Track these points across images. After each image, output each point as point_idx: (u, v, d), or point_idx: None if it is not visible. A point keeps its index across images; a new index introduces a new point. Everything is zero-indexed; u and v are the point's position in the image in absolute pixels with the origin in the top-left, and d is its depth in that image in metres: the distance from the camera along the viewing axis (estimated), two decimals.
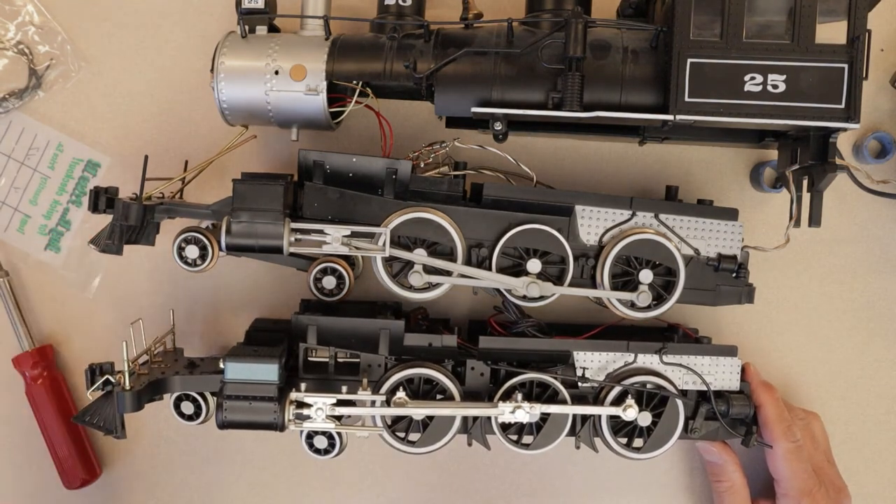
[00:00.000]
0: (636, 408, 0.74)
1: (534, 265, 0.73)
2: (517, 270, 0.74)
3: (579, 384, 0.76)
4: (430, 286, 0.73)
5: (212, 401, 0.75)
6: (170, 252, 0.73)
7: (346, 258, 0.76)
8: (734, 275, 0.75)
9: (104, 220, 0.73)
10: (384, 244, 0.71)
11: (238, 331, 0.85)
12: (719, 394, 0.77)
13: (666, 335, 0.81)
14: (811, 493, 0.78)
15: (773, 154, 0.85)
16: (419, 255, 0.72)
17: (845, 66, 0.65)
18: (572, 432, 0.76)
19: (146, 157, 0.72)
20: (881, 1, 0.68)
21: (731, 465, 0.81)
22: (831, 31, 0.66)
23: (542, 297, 0.73)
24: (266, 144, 0.85)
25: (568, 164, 0.86)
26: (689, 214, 0.75)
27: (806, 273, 0.87)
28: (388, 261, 0.73)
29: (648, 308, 0.75)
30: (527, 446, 0.75)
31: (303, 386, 0.72)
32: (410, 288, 0.73)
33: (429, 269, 0.73)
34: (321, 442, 0.74)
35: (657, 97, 0.69)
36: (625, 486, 0.88)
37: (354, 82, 0.73)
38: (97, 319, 0.87)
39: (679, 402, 0.75)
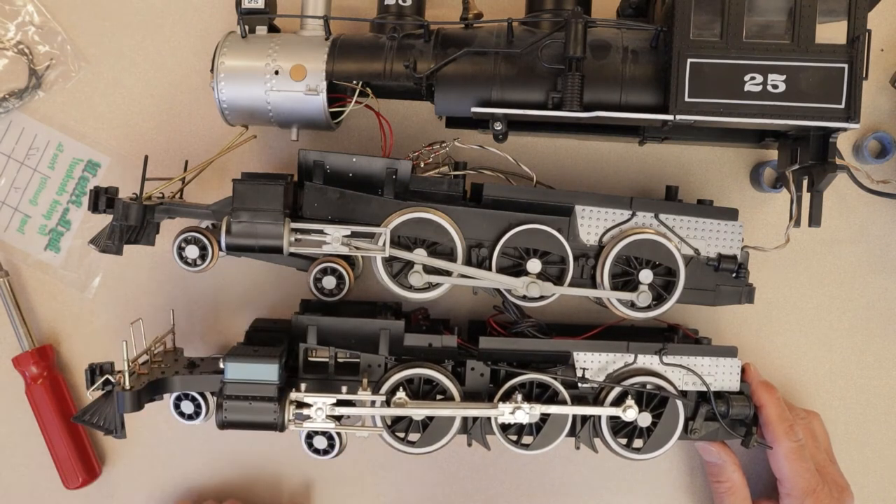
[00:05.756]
0: (636, 408, 0.74)
1: (534, 265, 0.73)
2: (517, 270, 0.74)
3: (579, 385, 0.76)
4: (430, 286, 0.73)
5: (212, 400, 0.75)
6: (170, 252, 0.73)
7: (346, 258, 0.76)
8: (734, 275, 0.75)
9: (104, 220, 0.73)
10: (384, 244, 0.71)
11: (238, 331, 0.85)
12: (719, 394, 0.77)
13: (666, 336, 0.81)
14: (814, 492, 0.78)
15: (773, 154, 0.85)
16: (419, 255, 0.72)
17: (845, 66, 0.65)
18: (572, 433, 0.76)
19: (146, 157, 0.72)
20: (881, 1, 0.68)
21: (730, 465, 0.81)
22: (831, 31, 0.66)
23: (542, 297, 0.73)
24: (266, 144, 0.85)
25: (568, 164, 0.86)
26: (689, 214, 0.75)
27: (806, 273, 0.87)
28: (388, 261, 0.73)
29: (648, 308, 0.74)
30: (526, 447, 0.75)
31: (303, 386, 0.72)
32: (410, 288, 0.73)
33: (429, 269, 0.73)
34: (321, 442, 0.74)
35: (657, 97, 0.69)
36: (625, 486, 0.88)
37: (354, 82, 0.73)
38: (97, 319, 0.87)
39: (679, 403, 0.75)
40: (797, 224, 0.73)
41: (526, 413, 0.73)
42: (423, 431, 0.74)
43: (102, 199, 0.72)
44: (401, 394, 0.73)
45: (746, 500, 0.81)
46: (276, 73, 0.72)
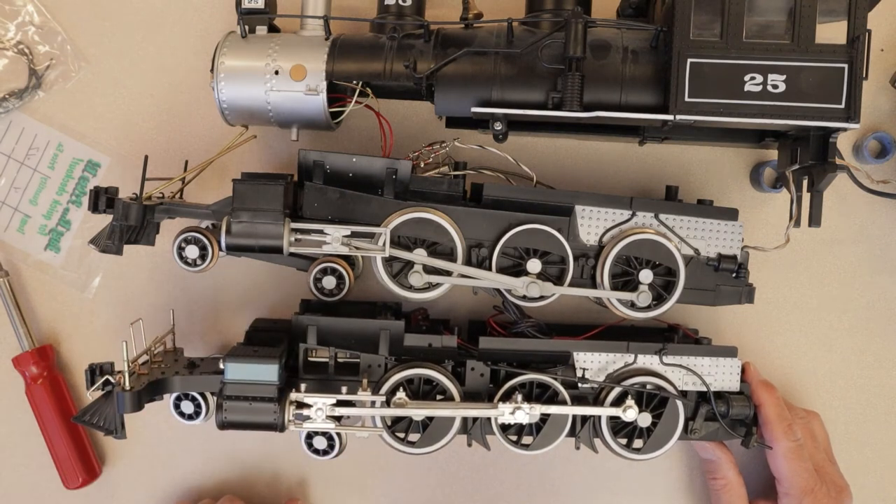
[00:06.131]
0: (636, 408, 0.74)
1: (534, 265, 0.73)
2: (517, 270, 0.74)
3: (579, 385, 0.76)
4: (430, 286, 0.73)
5: (212, 400, 0.75)
6: (170, 252, 0.73)
7: (346, 258, 0.76)
8: (734, 275, 0.75)
9: (104, 220, 0.73)
10: (384, 244, 0.71)
11: (238, 331, 0.85)
12: (719, 394, 0.77)
13: (666, 336, 0.81)
14: (813, 491, 0.78)
15: (773, 154, 0.85)
16: (419, 255, 0.72)
17: (845, 66, 0.65)
18: (572, 433, 0.76)
19: (146, 157, 0.72)
20: (881, 1, 0.68)
21: (726, 462, 0.81)
22: (831, 31, 0.66)
23: (542, 297, 0.73)
24: (266, 144, 0.85)
25: (568, 164, 0.86)
26: (689, 214, 0.75)
27: (806, 273, 0.87)
28: (388, 261, 0.73)
29: (648, 308, 0.74)
30: (526, 447, 0.75)
31: (303, 386, 0.72)
32: (410, 288, 0.73)
33: (429, 269, 0.73)
34: (321, 443, 0.74)
35: (657, 97, 0.69)
36: (624, 486, 0.88)
37: (354, 82, 0.73)
38: (97, 319, 0.87)
39: (679, 403, 0.75)
40: (797, 224, 0.73)
41: (526, 413, 0.73)
42: (423, 432, 0.74)
43: (102, 199, 0.72)
44: (401, 394, 0.72)
45: (742, 497, 0.81)
46: (276, 73, 0.72)
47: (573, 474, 0.88)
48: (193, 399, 0.75)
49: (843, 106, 0.65)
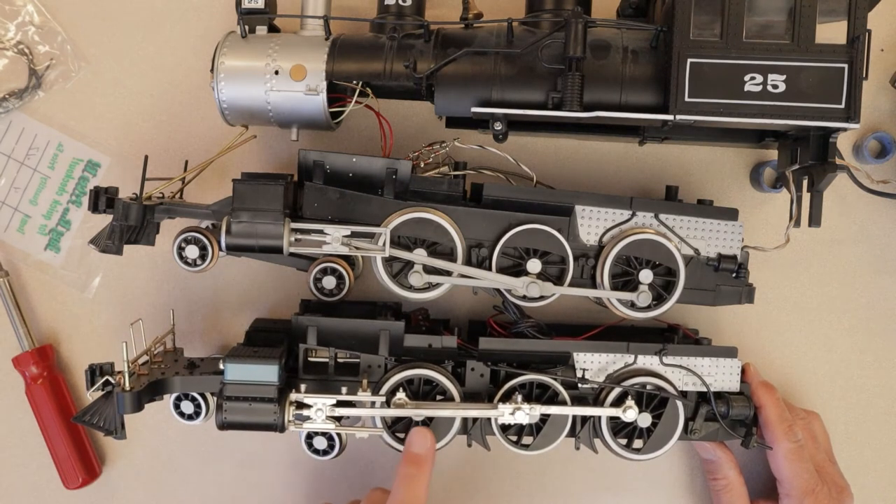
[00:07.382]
0: (636, 409, 0.74)
1: (534, 265, 0.73)
2: (517, 270, 0.74)
3: (579, 385, 0.76)
4: (430, 286, 0.73)
5: (212, 400, 0.75)
6: (170, 252, 0.73)
7: (346, 258, 0.76)
8: (734, 275, 0.75)
9: (104, 220, 0.73)
10: (384, 244, 0.71)
11: (238, 331, 0.85)
12: (719, 395, 0.77)
13: (666, 336, 0.81)
14: (813, 492, 0.78)
15: (773, 154, 0.85)
16: (419, 255, 0.72)
17: (845, 66, 0.65)
18: (572, 433, 0.76)
19: (146, 157, 0.72)
20: (881, 1, 0.68)
21: (726, 462, 0.81)
22: (831, 31, 0.66)
23: (542, 297, 0.73)
24: (266, 144, 0.85)
25: (568, 164, 0.86)
26: (689, 214, 0.75)
27: (806, 273, 0.87)
28: (388, 261, 0.73)
29: (648, 308, 0.74)
30: (527, 447, 0.75)
31: (303, 387, 0.72)
32: (410, 288, 0.73)
33: (429, 269, 0.73)
34: (321, 443, 0.74)
35: (657, 97, 0.69)
36: (624, 486, 0.88)
37: (354, 82, 0.73)
38: (97, 319, 0.87)
39: (679, 404, 0.75)
40: (797, 224, 0.73)
41: (526, 413, 0.73)
42: None
43: (102, 199, 0.72)
44: (401, 394, 0.72)
45: (743, 497, 0.81)
46: (276, 73, 0.72)
47: (573, 474, 0.88)
48: (193, 399, 0.75)
49: (843, 106, 0.65)
